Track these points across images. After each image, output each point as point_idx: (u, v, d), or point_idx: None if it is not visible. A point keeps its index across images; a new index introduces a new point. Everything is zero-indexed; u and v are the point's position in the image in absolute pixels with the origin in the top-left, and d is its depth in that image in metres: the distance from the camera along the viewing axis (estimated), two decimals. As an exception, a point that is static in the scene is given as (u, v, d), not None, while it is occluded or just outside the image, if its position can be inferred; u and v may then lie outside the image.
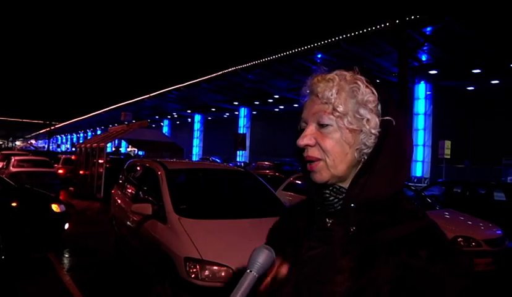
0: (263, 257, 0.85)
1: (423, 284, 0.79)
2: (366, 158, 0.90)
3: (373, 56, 26.19)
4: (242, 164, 34.72)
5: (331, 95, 0.90)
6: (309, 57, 29.75)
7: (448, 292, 0.78)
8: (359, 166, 0.92)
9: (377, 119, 0.89)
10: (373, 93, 0.90)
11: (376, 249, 0.84)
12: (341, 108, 0.89)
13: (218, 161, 32.74)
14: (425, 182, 26.10)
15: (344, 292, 0.84)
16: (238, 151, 40.12)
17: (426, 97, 28.76)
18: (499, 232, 6.90)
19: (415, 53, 23.65)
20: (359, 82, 0.90)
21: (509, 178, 24.77)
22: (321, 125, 0.92)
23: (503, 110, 28.09)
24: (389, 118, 0.89)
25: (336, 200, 0.94)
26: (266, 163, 27.21)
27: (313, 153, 0.92)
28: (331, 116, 0.90)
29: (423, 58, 26.55)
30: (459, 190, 11.17)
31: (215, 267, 3.67)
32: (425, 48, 24.06)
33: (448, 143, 22.47)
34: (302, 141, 0.93)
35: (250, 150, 42.53)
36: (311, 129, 0.93)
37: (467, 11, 19.31)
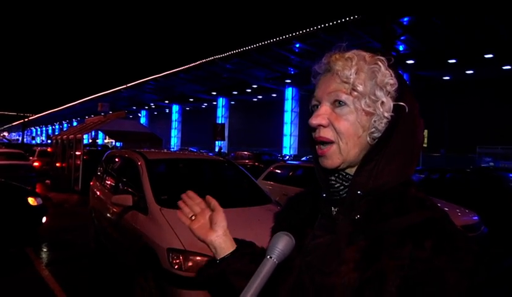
0: (283, 243, 0.81)
1: (426, 275, 0.76)
2: (375, 142, 0.87)
3: (352, 46, 26.31)
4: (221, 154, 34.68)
5: (351, 74, 0.86)
6: (287, 47, 29.79)
7: (449, 288, 0.75)
8: (366, 151, 0.88)
9: (391, 103, 0.86)
10: (392, 76, 0.87)
11: (382, 239, 0.81)
12: (360, 88, 0.85)
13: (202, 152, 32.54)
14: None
15: (348, 284, 0.81)
16: (216, 142, 40.03)
17: (403, 86, 29.09)
18: (476, 218, 7.06)
19: (393, 43, 23.91)
20: (380, 63, 0.87)
21: (482, 166, 25.32)
22: (337, 105, 0.88)
23: (477, 100, 28.72)
24: (403, 104, 0.86)
25: (342, 187, 0.91)
26: (245, 152, 27.22)
27: (325, 134, 0.88)
28: (349, 96, 0.86)
29: (401, 48, 26.85)
30: (436, 178, 11.37)
31: (199, 258, 3.63)
32: (402, 38, 24.34)
33: (424, 132, 22.83)
34: (316, 120, 0.88)
35: (228, 140, 42.48)
36: (325, 108, 0.88)
37: (443, 3, 19.55)
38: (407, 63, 27.77)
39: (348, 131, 0.87)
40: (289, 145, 40.25)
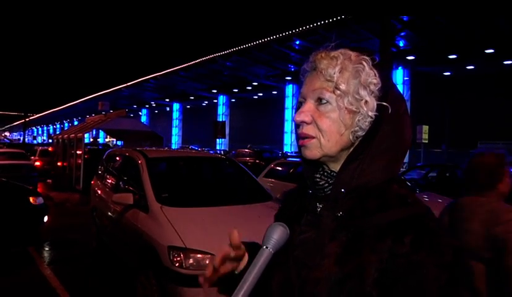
0: (278, 233, 0.83)
1: (405, 270, 0.77)
2: (359, 141, 0.89)
3: (352, 42, 26.29)
4: (222, 152, 34.66)
5: (334, 73, 0.88)
6: (287, 44, 29.77)
7: (428, 282, 0.76)
8: (351, 150, 0.90)
9: (375, 103, 0.88)
10: (375, 75, 0.89)
11: (363, 235, 0.83)
12: (343, 86, 0.88)
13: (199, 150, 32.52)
14: (404, 166, 26.48)
15: (330, 277, 0.83)
16: (217, 139, 40.03)
17: (403, 82, 29.06)
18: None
19: (393, 39, 23.87)
20: (364, 63, 0.89)
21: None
22: (320, 103, 0.90)
23: (478, 95, 28.66)
24: (386, 104, 0.87)
25: (327, 184, 0.93)
26: (246, 150, 27.21)
27: (307, 130, 0.91)
28: (332, 94, 0.89)
29: (401, 44, 26.81)
30: (436, 174, 11.39)
31: (199, 255, 3.64)
32: (402, 34, 24.29)
33: (425, 128, 22.82)
34: (299, 117, 0.91)
35: (229, 137, 42.47)
36: (309, 105, 0.91)
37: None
38: (408, 59, 27.72)
39: (330, 128, 0.89)
40: (289, 142, 40.17)
